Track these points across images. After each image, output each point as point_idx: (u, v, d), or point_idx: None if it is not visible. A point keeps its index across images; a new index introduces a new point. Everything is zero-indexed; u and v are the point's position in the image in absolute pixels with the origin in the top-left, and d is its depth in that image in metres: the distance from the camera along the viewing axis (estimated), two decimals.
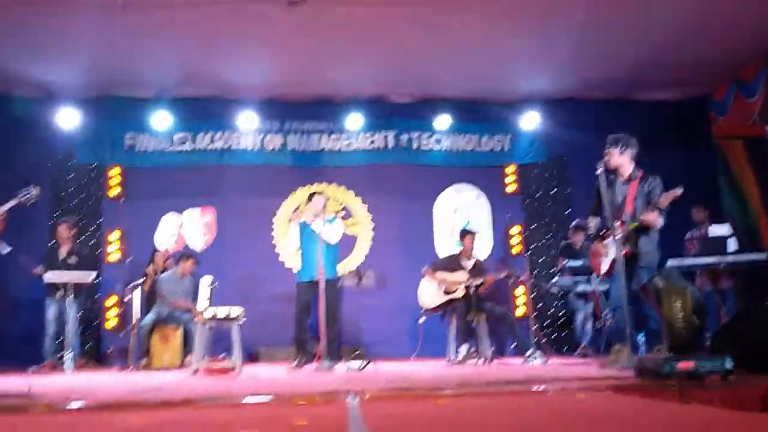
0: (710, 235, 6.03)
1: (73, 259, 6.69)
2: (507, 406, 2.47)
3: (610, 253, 4.63)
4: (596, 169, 4.52)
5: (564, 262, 6.81)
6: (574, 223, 7.10)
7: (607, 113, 7.71)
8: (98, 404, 2.61)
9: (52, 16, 6.03)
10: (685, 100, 8.15)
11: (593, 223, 4.77)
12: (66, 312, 6.42)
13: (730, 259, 5.79)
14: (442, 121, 8.14)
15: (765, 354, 3.12)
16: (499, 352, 6.99)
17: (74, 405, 2.60)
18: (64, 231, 6.80)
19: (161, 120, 7.79)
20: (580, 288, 6.68)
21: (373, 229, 8.20)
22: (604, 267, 4.75)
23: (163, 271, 7.02)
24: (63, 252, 6.74)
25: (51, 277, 6.32)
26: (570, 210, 8.04)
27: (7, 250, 5.06)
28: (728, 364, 2.82)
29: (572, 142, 7.64)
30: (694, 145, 7.80)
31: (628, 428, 1.77)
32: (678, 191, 4.29)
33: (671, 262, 5.60)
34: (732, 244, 6.11)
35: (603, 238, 4.75)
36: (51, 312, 6.52)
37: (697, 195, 6.61)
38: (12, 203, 4.78)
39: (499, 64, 7.36)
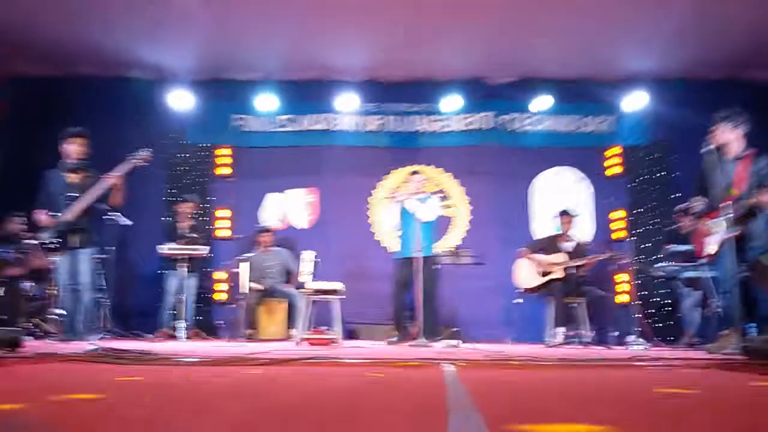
0: None
1: (192, 234, 7.13)
2: (603, 375, 2.48)
3: (716, 234, 4.43)
4: (702, 148, 4.35)
5: (669, 247, 6.52)
6: (679, 206, 6.78)
7: (716, 94, 7.26)
8: (212, 360, 2.85)
9: (166, 3, 6.53)
10: None
11: (698, 203, 4.58)
12: (183, 284, 6.84)
13: None
14: (542, 102, 7.98)
15: None
16: (600, 337, 6.83)
17: (189, 359, 2.85)
18: (185, 208, 7.29)
19: (266, 102, 8.15)
20: (687, 274, 6.37)
21: (469, 211, 8.22)
22: (710, 249, 4.54)
23: (267, 247, 7.36)
24: (183, 227, 7.20)
25: (171, 250, 6.78)
26: (678, 194, 7.68)
27: (127, 222, 5.45)
28: None
29: (680, 124, 7.26)
30: None
31: (724, 399, 1.76)
32: None
33: None
34: None
35: (708, 218, 4.55)
36: (170, 284, 6.98)
37: None
38: (126, 167, 5.16)
39: (604, 42, 7.15)
